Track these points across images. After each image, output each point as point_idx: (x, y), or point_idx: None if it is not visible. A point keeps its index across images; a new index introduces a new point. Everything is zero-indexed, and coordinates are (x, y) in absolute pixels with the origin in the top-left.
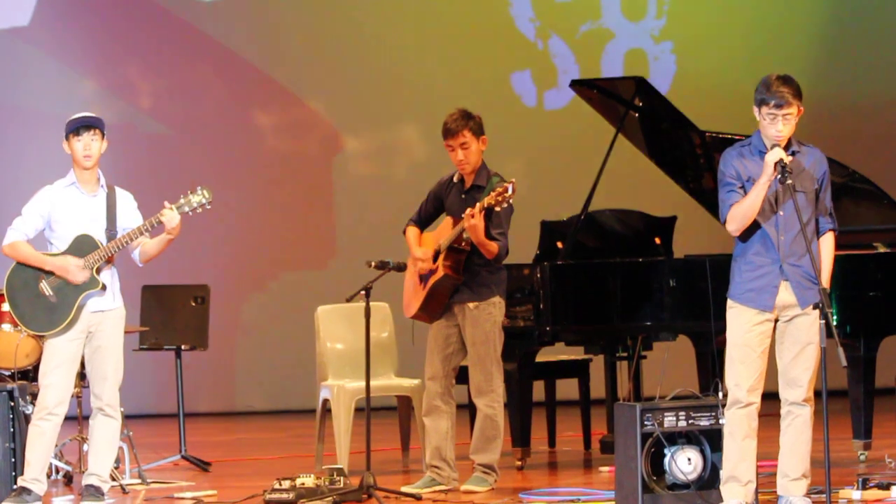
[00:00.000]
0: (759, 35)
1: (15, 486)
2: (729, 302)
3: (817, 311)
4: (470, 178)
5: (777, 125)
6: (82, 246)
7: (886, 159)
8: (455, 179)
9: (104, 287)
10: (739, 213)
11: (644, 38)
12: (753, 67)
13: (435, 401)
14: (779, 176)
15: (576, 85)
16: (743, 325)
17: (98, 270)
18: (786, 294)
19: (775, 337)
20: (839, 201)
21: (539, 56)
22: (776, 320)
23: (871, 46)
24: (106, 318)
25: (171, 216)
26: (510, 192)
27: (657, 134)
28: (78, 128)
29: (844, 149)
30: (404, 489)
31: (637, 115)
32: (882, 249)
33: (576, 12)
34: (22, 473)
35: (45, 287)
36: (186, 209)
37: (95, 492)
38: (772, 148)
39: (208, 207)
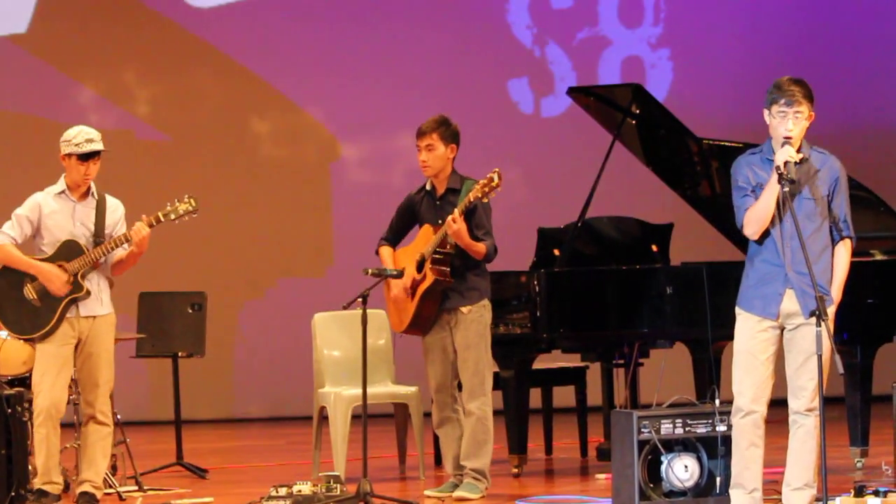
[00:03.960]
0: (757, 42)
1: (32, 490)
2: (736, 308)
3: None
4: (442, 185)
5: (787, 123)
6: (69, 251)
7: (883, 166)
8: (427, 188)
9: (88, 292)
10: (754, 217)
11: (641, 45)
12: (750, 75)
13: (445, 411)
14: (790, 175)
15: (573, 92)
16: (747, 332)
17: (83, 276)
18: (789, 302)
19: (783, 346)
20: None
21: (536, 63)
22: (783, 328)
23: (871, 53)
24: (97, 324)
25: (138, 229)
26: (497, 180)
27: (654, 141)
28: (87, 153)
29: (843, 156)
30: (427, 492)
31: (634, 122)
32: (879, 257)
33: (573, 19)
34: (19, 479)
35: (30, 291)
36: (172, 216)
37: (90, 499)
38: (782, 146)
39: (195, 216)
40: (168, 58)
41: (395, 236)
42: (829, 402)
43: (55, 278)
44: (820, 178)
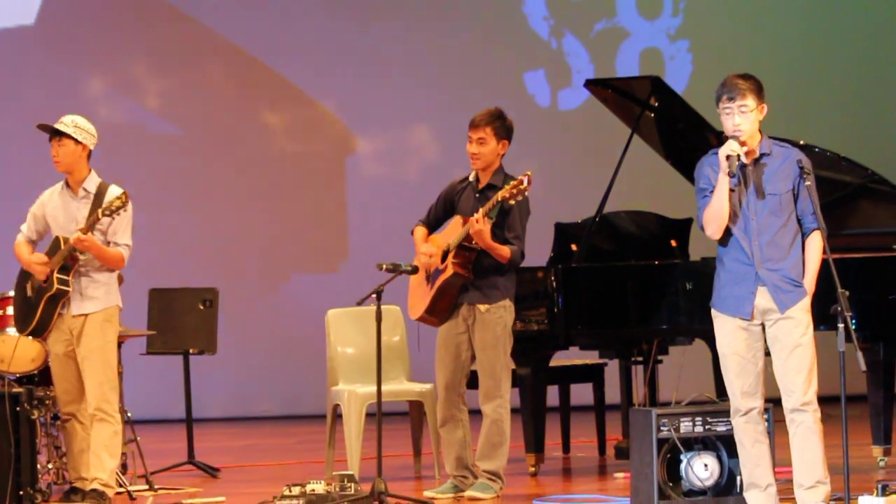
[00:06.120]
0: (778, 33)
1: (41, 490)
2: (713, 311)
3: (800, 314)
4: (485, 178)
5: (733, 119)
6: (55, 247)
7: None
8: (470, 178)
9: (61, 288)
10: (710, 216)
11: (660, 36)
12: (771, 66)
13: (451, 410)
14: (730, 169)
15: (590, 84)
16: (728, 335)
17: (66, 271)
18: (762, 299)
19: (767, 343)
20: (857, 203)
21: (553, 55)
22: (764, 325)
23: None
24: (87, 322)
25: (75, 237)
26: (525, 183)
27: (673, 134)
28: (52, 130)
29: (864, 149)
30: (427, 493)
31: (653, 115)
32: None
33: (590, 10)
34: (27, 478)
35: (29, 288)
36: (108, 213)
37: (99, 497)
38: (728, 140)
39: (123, 210)
40: (179, 50)
41: (432, 222)
42: (850, 401)
43: (34, 266)
44: (783, 172)
